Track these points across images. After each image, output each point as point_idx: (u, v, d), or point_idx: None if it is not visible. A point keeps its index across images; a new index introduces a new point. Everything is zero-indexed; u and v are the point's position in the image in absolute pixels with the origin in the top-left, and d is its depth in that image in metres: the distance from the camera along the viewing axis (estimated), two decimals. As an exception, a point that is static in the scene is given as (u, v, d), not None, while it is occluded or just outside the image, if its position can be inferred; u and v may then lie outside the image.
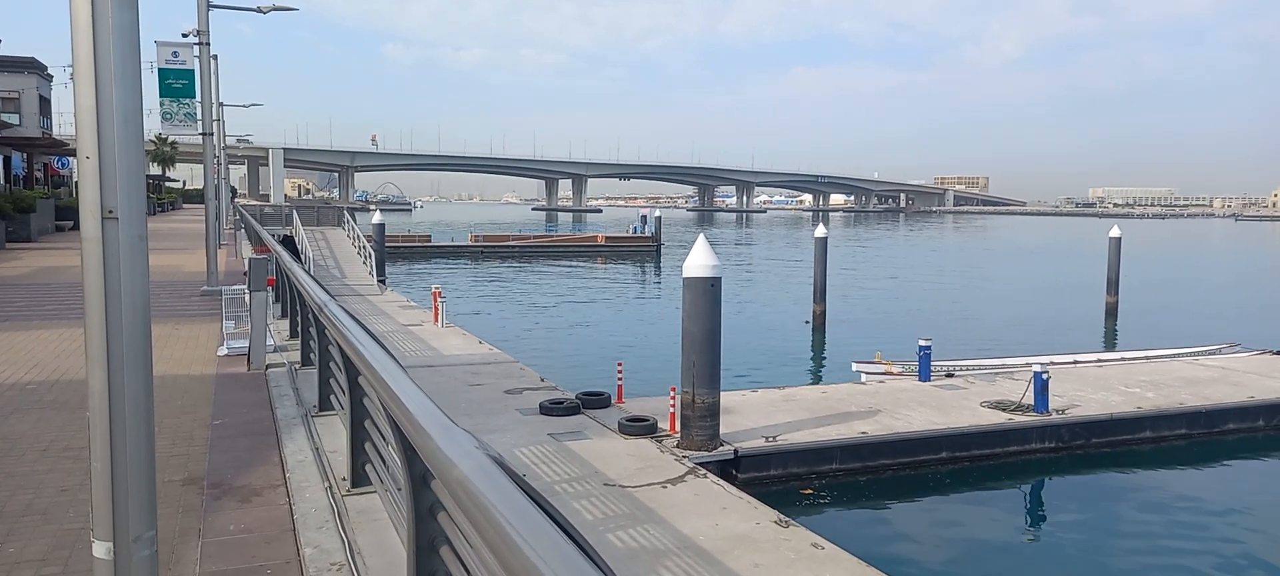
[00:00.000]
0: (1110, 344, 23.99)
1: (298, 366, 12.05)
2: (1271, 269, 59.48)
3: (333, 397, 8.74)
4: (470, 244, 59.08)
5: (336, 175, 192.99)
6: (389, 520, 5.68)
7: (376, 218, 34.92)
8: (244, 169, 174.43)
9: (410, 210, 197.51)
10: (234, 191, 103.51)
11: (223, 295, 19.72)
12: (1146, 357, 17.99)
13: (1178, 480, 11.96)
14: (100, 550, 3.33)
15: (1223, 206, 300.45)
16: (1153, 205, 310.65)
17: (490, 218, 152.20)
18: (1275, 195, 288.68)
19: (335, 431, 8.41)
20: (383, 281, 29.96)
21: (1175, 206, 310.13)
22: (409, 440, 3.29)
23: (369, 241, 33.95)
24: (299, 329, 13.02)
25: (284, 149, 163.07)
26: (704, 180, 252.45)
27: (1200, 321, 27.56)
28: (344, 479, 6.85)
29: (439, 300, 19.85)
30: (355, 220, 42.15)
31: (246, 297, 13.76)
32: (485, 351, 16.17)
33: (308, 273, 13.31)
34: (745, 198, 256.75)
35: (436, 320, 19.58)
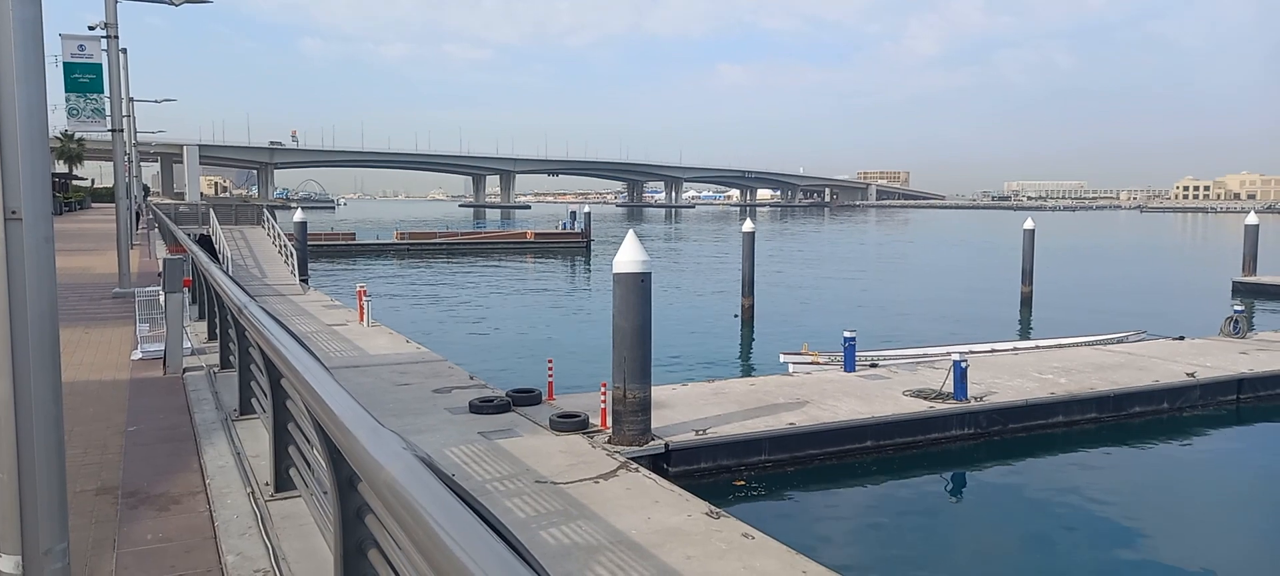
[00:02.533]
0: (1025, 332, 24.85)
1: (217, 370, 11.72)
2: (1174, 259, 62.36)
3: (254, 401, 8.53)
4: (396, 241, 58.19)
5: (255, 172, 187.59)
6: (315, 524, 5.57)
7: (298, 215, 34.08)
8: (157, 166, 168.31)
9: (333, 208, 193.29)
10: (147, 190, 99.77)
11: (136, 297, 19.05)
12: (1059, 345, 18.71)
13: (1088, 462, 12.47)
14: (8, 565, 3.20)
15: (1129, 198, 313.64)
16: (1064, 198, 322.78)
17: (416, 215, 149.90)
18: (1177, 187, 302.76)
19: (257, 435, 8.21)
20: (305, 281, 29.25)
21: (1085, 199, 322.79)
22: (334, 443, 3.23)
23: (290, 240, 33.11)
24: (217, 331, 12.65)
25: (200, 145, 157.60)
26: (633, 176, 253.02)
27: (1109, 309, 28.73)
28: (267, 484, 6.69)
29: (364, 299, 19.50)
30: (275, 218, 41.04)
31: (161, 299, 13.30)
32: (413, 350, 15.96)
33: (226, 273, 12.93)
34: (674, 193, 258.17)
35: (362, 319, 19.24)
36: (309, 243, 35.39)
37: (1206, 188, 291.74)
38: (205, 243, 35.12)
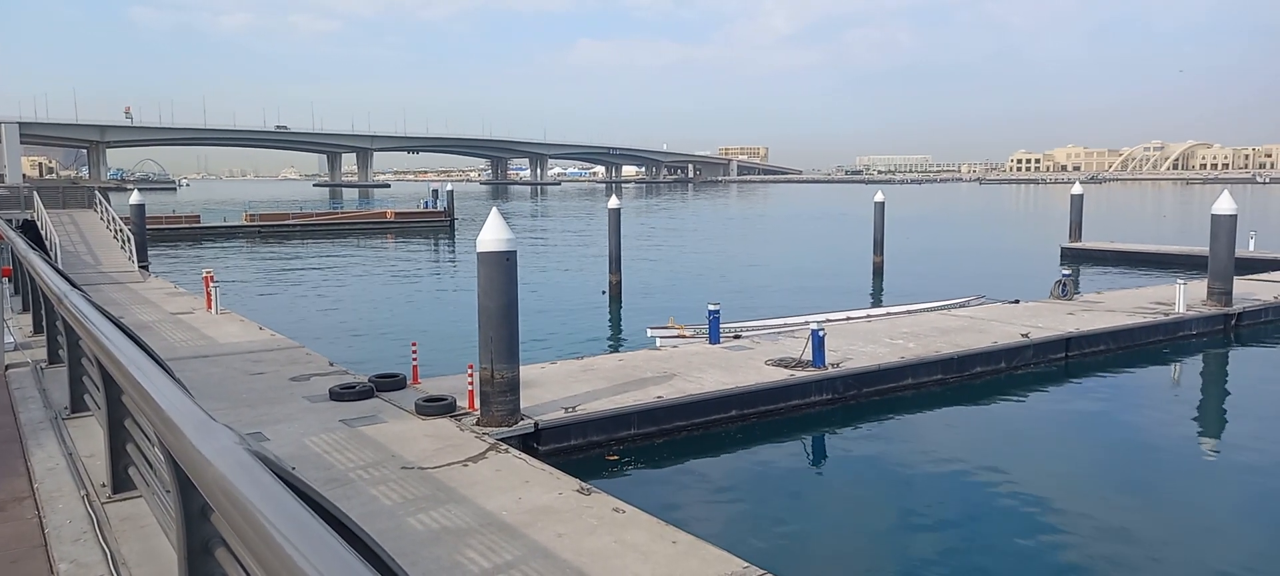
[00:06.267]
0: (878, 300, 26.02)
1: (44, 365, 10.85)
2: (1009, 227, 66.75)
3: (87, 397, 7.92)
4: (246, 223, 55.37)
5: (85, 152, 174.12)
6: (159, 525, 5.23)
7: (134, 198, 31.87)
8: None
9: (174, 188, 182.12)
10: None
11: (-54, 289, 17.34)
12: (908, 311, 19.71)
13: (936, 420, 13.22)
14: None
15: (969, 171, 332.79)
16: (911, 172, 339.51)
17: (268, 195, 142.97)
18: (1011, 160, 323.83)
19: (92, 433, 7.64)
20: (145, 267, 27.42)
21: (930, 172, 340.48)
22: (162, 438, 3.01)
23: (127, 224, 30.93)
24: (44, 323, 11.68)
25: (19, 123, 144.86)
26: (496, 153, 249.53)
27: (952, 276, 30.46)
28: (104, 485, 6.24)
29: (212, 285, 18.45)
30: (109, 201, 38.20)
31: (-24, 291, 12.15)
32: (267, 338, 15.25)
33: (50, 260, 11.94)
34: (539, 170, 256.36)
35: (210, 307, 18.21)
36: (148, 226, 33.17)
37: (1037, 160, 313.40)
38: (30, 228, 32.32)
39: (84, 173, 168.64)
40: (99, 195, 39.79)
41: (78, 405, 8.29)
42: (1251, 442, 12.36)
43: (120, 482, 6.03)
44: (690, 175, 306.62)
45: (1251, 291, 20.89)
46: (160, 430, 2.92)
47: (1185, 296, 18.53)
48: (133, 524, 5.70)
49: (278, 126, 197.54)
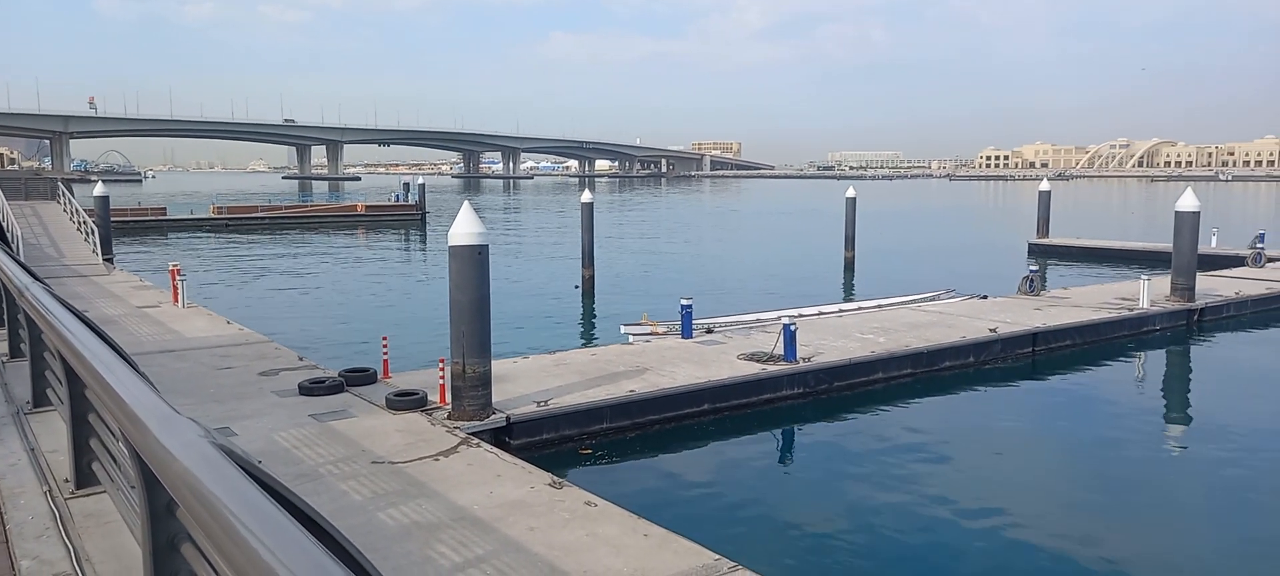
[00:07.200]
0: (849, 295, 26.22)
1: (6, 359, 10.66)
2: (978, 223, 67.46)
3: (50, 391, 7.79)
4: (213, 216, 54.74)
5: (48, 143, 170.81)
6: (124, 521, 5.16)
7: (99, 189, 31.32)
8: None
9: (140, 181, 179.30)
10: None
11: (-97, 282, 16.97)
12: (878, 306, 19.87)
13: (905, 414, 13.34)
14: None
15: (939, 167, 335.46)
16: (882, 168, 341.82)
17: (235, 187, 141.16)
18: (980, 157, 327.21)
19: (55, 428, 7.52)
20: (110, 260, 27.00)
21: (900, 168, 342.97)
22: (125, 433, 2.97)
23: (91, 216, 30.40)
24: (5, 317, 11.47)
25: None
26: (468, 146, 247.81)
27: (922, 270, 30.72)
28: (67, 480, 6.15)
29: (178, 279, 18.22)
30: (73, 193, 37.53)
31: (-66, 284, 11.89)
32: (235, 332, 15.08)
33: (12, 253, 11.73)
34: (512, 164, 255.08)
35: (176, 300, 17.98)
36: (113, 219, 32.63)
37: (1006, 157, 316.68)
38: (-11, 220, 31.67)
39: (47, 164, 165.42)
40: (62, 187, 39.09)
41: (40, 400, 8.15)
42: (1213, 435, 12.61)
43: (84, 478, 5.94)
44: (664, 170, 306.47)
45: (1213, 287, 21.29)
46: (124, 425, 2.88)
47: (1149, 292, 18.84)
48: (97, 520, 5.62)
49: (286, 120, 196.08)
